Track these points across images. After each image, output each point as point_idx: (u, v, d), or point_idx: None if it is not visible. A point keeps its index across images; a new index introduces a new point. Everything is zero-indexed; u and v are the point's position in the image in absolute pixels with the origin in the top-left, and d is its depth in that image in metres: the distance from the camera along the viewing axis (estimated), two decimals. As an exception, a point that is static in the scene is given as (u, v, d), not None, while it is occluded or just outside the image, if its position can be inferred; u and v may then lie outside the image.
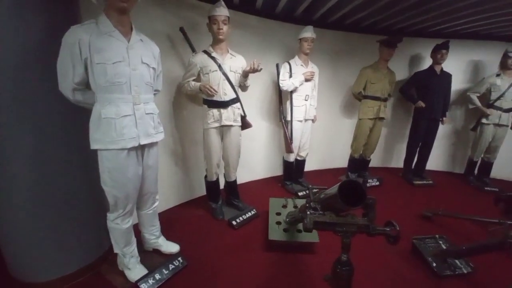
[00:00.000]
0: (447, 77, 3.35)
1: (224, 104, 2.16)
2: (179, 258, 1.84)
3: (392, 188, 3.39)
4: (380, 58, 3.11)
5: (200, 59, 2.11)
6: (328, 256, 1.98)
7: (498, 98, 3.23)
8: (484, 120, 3.34)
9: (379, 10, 2.78)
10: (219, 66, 2.10)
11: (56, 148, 1.52)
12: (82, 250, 1.72)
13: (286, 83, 2.68)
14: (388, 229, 0.93)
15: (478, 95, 3.38)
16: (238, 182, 2.66)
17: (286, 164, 3.06)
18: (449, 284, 1.79)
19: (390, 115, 4.03)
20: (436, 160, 4.03)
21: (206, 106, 2.19)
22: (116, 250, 1.68)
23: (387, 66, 3.16)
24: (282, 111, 2.89)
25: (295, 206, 2.36)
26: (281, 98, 2.89)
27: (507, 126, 3.30)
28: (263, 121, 3.28)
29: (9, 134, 1.40)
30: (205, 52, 2.13)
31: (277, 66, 2.80)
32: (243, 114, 2.35)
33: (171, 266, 1.77)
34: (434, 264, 1.88)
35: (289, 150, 2.86)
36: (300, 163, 3.15)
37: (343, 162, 3.73)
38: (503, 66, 3.23)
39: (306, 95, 2.79)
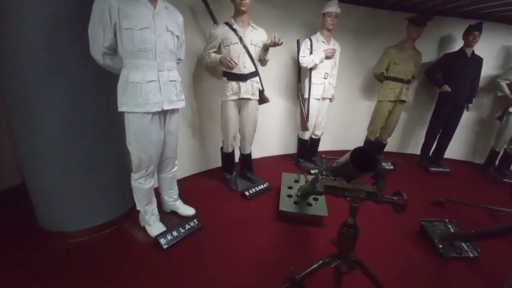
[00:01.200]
0: (478, 61, 3.17)
1: (243, 77, 2.18)
2: (195, 220, 1.98)
3: (407, 173, 3.37)
4: (407, 37, 2.97)
5: (222, 30, 2.12)
6: (335, 229, 2.08)
7: (531, 86, 3.05)
8: (511, 109, 3.18)
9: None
10: (240, 39, 2.11)
11: (86, 110, 1.64)
12: (108, 205, 1.89)
13: (306, 60, 2.65)
14: (395, 198, 0.97)
15: (508, 82, 3.20)
16: (253, 157, 2.74)
17: (301, 142, 3.10)
18: (454, 266, 1.83)
19: (412, 99, 3.90)
20: (456, 149, 3.92)
21: (225, 78, 2.22)
22: (138, 208, 1.83)
23: (414, 46, 3.02)
24: (300, 88, 2.88)
25: (307, 181, 2.42)
26: (300, 75, 2.87)
27: (536, 116, 3.14)
28: (280, 99, 3.29)
29: (45, 95, 1.51)
30: (227, 24, 2.13)
31: (298, 42, 2.75)
32: (261, 89, 2.37)
33: (187, 226, 1.91)
34: (440, 246, 1.92)
35: (304, 128, 2.88)
36: (315, 141, 3.17)
37: (358, 144, 3.63)
38: (541, 51, 3.02)
39: (326, 73, 2.75)
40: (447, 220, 2.15)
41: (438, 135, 3.50)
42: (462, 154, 3.99)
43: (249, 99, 2.28)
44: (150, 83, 1.50)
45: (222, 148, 2.53)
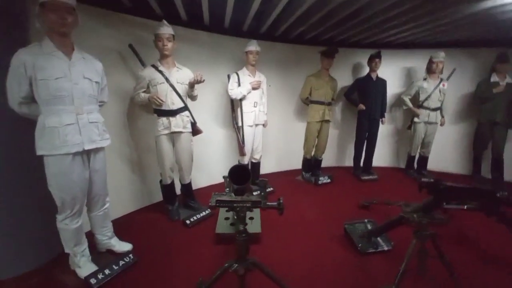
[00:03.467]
0: (382, 82, 3.79)
1: (172, 113, 2.37)
2: (130, 255, 1.99)
3: (342, 184, 3.73)
4: (321, 67, 3.48)
5: (148, 72, 2.32)
6: (270, 244, 2.24)
7: (426, 99, 3.70)
8: (416, 119, 3.80)
9: (315, 24, 3.14)
10: (166, 79, 2.33)
11: (6, 155, 1.66)
12: (34, 251, 1.83)
13: (234, 92, 2.94)
14: (276, 203, 1.18)
15: (410, 97, 3.85)
16: (199, 185, 2.86)
17: (241, 166, 3.30)
18: (370, 259, 2.08)
19: (340, 118, 4.44)
20: (383, 157, 4.47)
21: (156, 115, 2.39)
22: (66, 250, 1.81)
23: (328, 74, 3.53)
24: (235, 117, 3.14)
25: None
26: (233, 105, 3.15)
27: (436, 123, 3.78)
28: (219, 128, 3.52)
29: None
30: (153, 66, 2.35)
31: (228, 76, 3.07)
32: (193, 121, 2.57)
33: (121, 262, 1.92)
34: (360, 244, 2.17)
35: (242, 153, 3.11)
36: (255, 165, 3.39)
37: (299, 163, 4.03)
38: (429, 70, 3.72)
39: (255, 102, 3.07)
40: (366, 220, 2.45)
41: (364, 147, 3.98)
42: (389, 161, 4.54)
43: (181, 132, 2.45)
44: (68, 126, 1.60)
45: (161, 180, 2.61)
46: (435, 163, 4.20)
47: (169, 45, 2.28)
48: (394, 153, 4.53)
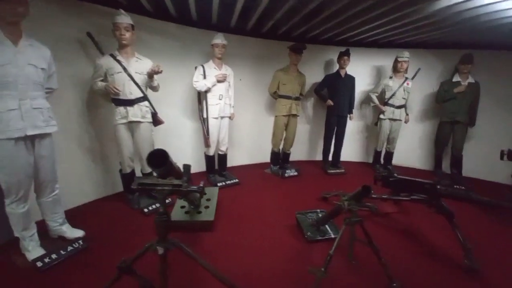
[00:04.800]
0: (350, 79, 3.89)
1: (130, 102, 2.40)
2: (80, 241, 2.03)
3: (308, 177, 3.84)
4: (290, 62, 3.55)
5: (106, 61, 2.34)
6: (223, 232, 2.32)
7: (391, 97, 3.83)
8: (381, 116, 3.93)
9: (282, 19, 3.20)
10: (124, 68, 2.34)
11: None
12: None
13: (198, 84, 2.98)
14: (195, 187, 1.24)
15: (377, 94, 3.97)
16: None
17: (207, 158, 3.36)
18: (316, 246, 2.19)
19: (312, 114, 4.53)
20: (352, 152, 4.62)
21: (113, 104, 2.41)
22: (15, 234, 1.85)
23: (297, 69, 3.60)
24: (201, 109, 3.18)
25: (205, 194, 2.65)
26: (199, 97, 3.19)
27: (400, 120, 3.91)
28: (187, 119, 3.56)
29: None
30: (111, 55, 2.36)
31: (196, 69, 3.10)
32: (153, 111, 2.60)
33: (69, 248, 1.96)
34: (308, 233, 2.27)
35: (206, 144, 3.16)
36: (222, 157, 3.45)
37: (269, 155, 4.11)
38: (395, 69, 3.85)
39: (220, 94, 3.11)
40: (318, 210, 2.56)
41: (333, 142, 4.09)
42: (358, 156, 4.69)
43: (140, 121, 2.48)
44: (11, 111, 1.62)
45: (121, 170, 2.64)
46: (401, 159, 4.37)
47: (127, 34, 2.30)
48: (363, 148, 4.67)
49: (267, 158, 4.30)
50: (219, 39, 2.98)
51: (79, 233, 2.13)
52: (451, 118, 3.70)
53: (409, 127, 4.14)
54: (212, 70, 3.07)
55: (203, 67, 3.05)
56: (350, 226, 1.68)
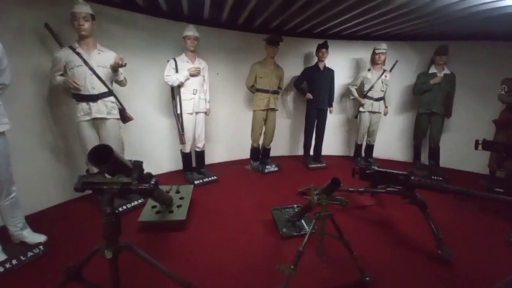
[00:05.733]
0: (329, 72, 3.85)
1: (93, 98, 2.25)
2: (40, 246, 1.90)
3: (289, 172, 3.78)
4: (267, 55, 3.46)
5: (64, 54, 2.18)
6: (196, 231, 2.23)
7: (370, 90, 3.82)
8: (361, 109, 3.91)
9: (256, 10, 3.10)
10: (85, 61, 2.20)
11: None
12: None
13: (170, 78, 2.86)
14: (147, 185, 1.15)
15: (356, 87, 3.95)
16: None
17: (183, 155, 3.25)
18: (291, 242, 2.12)
19: (292, 108, 4.48)
20: (334, 146, 4.61)
21: (75, 100, 2.26)
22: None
23: (274, 62, 3.52)
24: (175, 105, 3.06)
25: (177, 191, 2.55)
26: (173, 92, 3.07)
27: (379, 113, 3.91)
28: (162, 116, 3.42)
29: None
30: (70, 47, 2.20)
31: (168, 62, 2.97)
32: (120, 107, 2.47)
33: (29, 254, 1.84)
34: (284, 229, 2.22)
35: (181, 141, 3.05)
36: (199, 154, 3.35)
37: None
38: (373, 62, 3.83)
39: (194, 89, 3.00)
40: (295, 205, 2.50)
41: (314, 136, 4.05)
42: (340, 150, 4.69)
43: (105, 118, 2.34)
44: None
45: (87, 170, 2.50)
46: (381, 151, 4.39)
47: (86, 25, 2.15)
48: (345, 142, 4.66)
49: (247, 154, 4.23)
50: (190, 31, 2.86)
51: (41, 238, 2.00)
52: (428, 109, 3.72)
53: (389, 119, 4.15)
54: (185, 63, 2.95)
55: (175, 60, 2.92)
56: (320, 220, 1.63)
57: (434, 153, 3.84)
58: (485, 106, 3.75)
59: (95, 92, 2.26)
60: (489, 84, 3.61)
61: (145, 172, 1.45)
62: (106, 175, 1.21)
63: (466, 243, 2.17)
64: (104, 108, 2.32)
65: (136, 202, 2.59)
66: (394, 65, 3.84)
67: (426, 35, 3.81)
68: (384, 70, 3.79)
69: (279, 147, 4.43)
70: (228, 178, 3.43)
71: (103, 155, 1.09)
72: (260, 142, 3.82)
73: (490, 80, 3.60)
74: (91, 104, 2.25)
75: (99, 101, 2.28)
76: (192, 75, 2.92)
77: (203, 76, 3.10)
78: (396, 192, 2.34)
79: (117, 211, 2.37)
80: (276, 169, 3.75)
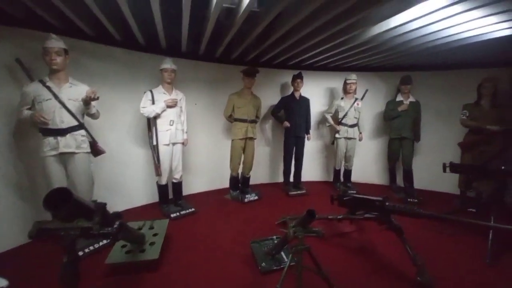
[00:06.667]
0: (305, 101, 4.00)
1: (61, 132, 2.18)
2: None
3: (269, 200, 3.74)
4: (244, 86, 3.56)
5: (33, 88, 2.13)
6: (170, 270, 2.10)
7: (344, 117, 3.98)
8: (337, 135, 4.04)
9: (233, 44, 3.24)
10: (55, 95, 2.15)
11: None
12: None
13: (146, 110, 2.84)
14: (109, 229, 1.08)
15: (331, 114, 4.11)
16: (117, 209, 2.60)
17: (160, 187, 3.14)
18: (271, 277, 2.03)
19: (271, 136, 4.55)
20: (314, 172, 4.65)
21: (41, 134, 2.17)
22: None
23: (251, 92, 3.62)
24: (151, 136, 3.01)
25: (151, 227, 2.42)
26: (149, 124, 3.03)
27: (354, 138, 4.05)
28: (138, 148, 3.34)
29: None
30: (40, 81, 2.16)
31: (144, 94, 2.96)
32: (91, 140, 2.39)
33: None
34: (263, 264, 2.12)
35: (157, 173, 2.96)
36: (177, 185, 3.25)
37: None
38: (345, 91, 4.04)
39: (171, 120, 2.98)
40: (274, 237, 2.44)
41: (293, 162, 4.09)
42: (320, 176, 4.73)
43: (74, 152, 2.25)
44: None
45: (53, 207, 2.33)
46: (359, 175, 4.49)
47: (58, 59, 2.13)
48: (324, 167, 4.73)
49: (225, 184, 4.17)
50: (167, 64, 2.91)
51: (2, 283, 1.81)
52: (398, 134, 3.92)
53: (364, 144, 4.30)
54: (161, 95, 2.96)
55: (151, 92, 2.93)
56: (297, 254, 1.59)
57: (408, 176, 3.97)
58: (452, 130, 3.98)
59: (64, 126, 2.18)
60: (453, 109, 3.85)
61: (112, 211, 1.37)
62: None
63: (447, 266, 2.18)
64: (73, 142, 2.23)
65: (105, 241, 2.41)
66: (364, 94, 4.06)
67: (392, 66, 4.12)
68: (356, 99, 3.99)
69: (259, 175, 4.42)
70: (206, 209, 3.32)
71: (62, 199, 1.03)
72: (240, 171, 3.79)
73: (454, 106, 3.85)
74: (59, 138, 2.17)
75: (68, 135, 2.20)
76: (169, 107, 2.92)
77: (181, 107, 3.11)
78: (373, 218, 2.36)
79: (79, 256, 2.22)
80: (256, 197, 3.70)
